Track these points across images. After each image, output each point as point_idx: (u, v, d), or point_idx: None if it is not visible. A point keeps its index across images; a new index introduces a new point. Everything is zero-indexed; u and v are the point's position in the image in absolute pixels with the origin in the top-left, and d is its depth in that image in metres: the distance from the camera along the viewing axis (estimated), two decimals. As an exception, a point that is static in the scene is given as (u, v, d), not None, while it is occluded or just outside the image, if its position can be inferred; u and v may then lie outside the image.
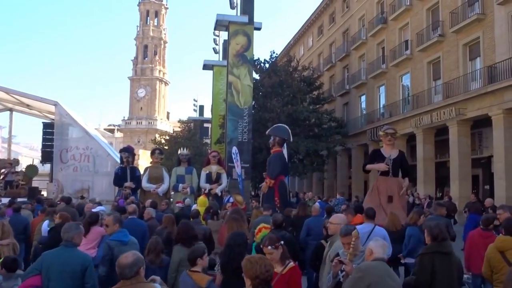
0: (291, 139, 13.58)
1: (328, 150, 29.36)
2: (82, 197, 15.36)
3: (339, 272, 4.86)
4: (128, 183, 14.56)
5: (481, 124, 22.02)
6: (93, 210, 9.30)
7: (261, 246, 4.75)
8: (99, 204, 11.55)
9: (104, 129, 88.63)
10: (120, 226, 6.39)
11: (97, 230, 7.28)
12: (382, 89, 30.93)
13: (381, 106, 30.98)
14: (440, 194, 24.88)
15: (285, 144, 14.20)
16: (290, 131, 14.05)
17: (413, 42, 27.03)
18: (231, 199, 12.72)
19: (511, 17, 20.04)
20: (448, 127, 22.95)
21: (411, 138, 27.12)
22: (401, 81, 28.86)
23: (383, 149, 11.40)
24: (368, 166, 11.55)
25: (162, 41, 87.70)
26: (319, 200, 18.29)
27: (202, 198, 10.67)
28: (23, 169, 22.52)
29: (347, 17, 36.36)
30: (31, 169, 22.50)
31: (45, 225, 8.58)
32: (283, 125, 15.35)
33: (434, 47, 25.04)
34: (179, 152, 16.03)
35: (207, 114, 47.98)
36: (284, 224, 7.58)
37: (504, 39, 20.24)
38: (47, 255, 5.19)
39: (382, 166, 10.88)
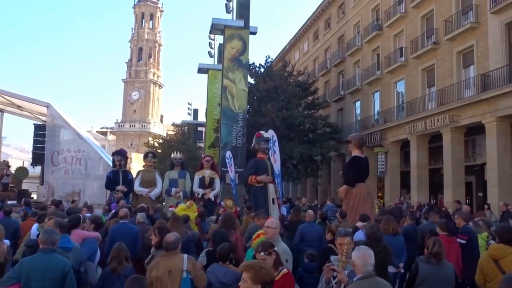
0: (251, 145, 13.75)
1: (322, 155, 29.38)
2: (73, 201, 15.17)
3: (332, 279, 4.84)
4: (120, 187, 14.45)
5: (475, 131, 22.13)
6: (86, 215, 9.19)
7: (254, 252, 4.72)
8: (90, 209, 11.40)
9: (97, 131, 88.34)
10: (62, 232, 5.92)
11: (78, 233, 6.98)
12: (377, 95, 31.04)
13: (376, 112, 31.08)
14: (434, 201, 24.93)
15: (275, 148, 14.24)
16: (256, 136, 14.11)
17: (408, 49, 27.17)
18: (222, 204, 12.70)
19: (505, 26, 20.19)
20: (441, 134, 23.06)
21: (405, 145, 27.22)
22: (396, 88, 28.98)
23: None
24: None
25: (157, 44, 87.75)
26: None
27: (182, 206, 10.60)
28: (13, 171, 22.33)
29: (343, 23, 36.49)
30: (21, 171, 22.31)
31: (34, 229, 8.48)
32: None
33: (429, 55, 25.18)
34: (172, 155, 15.91)
35: (201, 118, 47.95)
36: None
37: (497, 48, 20.37)
38: (25, 262, 5.04)
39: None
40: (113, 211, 10.56)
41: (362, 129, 31.33)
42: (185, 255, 5.45)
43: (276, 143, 14.42)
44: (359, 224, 7.48)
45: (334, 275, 4.72)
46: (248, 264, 3.68)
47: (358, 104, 33.74)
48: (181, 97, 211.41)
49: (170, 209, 11.94)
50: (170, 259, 5.29)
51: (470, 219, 9.77)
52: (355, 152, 11.98)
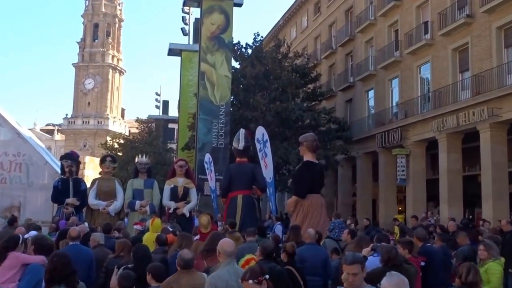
0: (239, 145, 13.85)
1: (327, 159, 29.35)
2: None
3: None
4: (71, 199, 14.46)
5: (521, 128, 22.28)
6: (26, 236, 9.10)
7: (241, 280, 4.73)
8: (34, 228, 11.21)
9: (41, 129, 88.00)
10: None
11: (15, 256, 6.98)
12: (395, 82, 31.14)
13: (394, 104, 31.21)
14: (470, 216, 24.89)
15: (266, 151, 14.33)
16: (243, 133, 14.20)
17: (435, 24, 27.20)
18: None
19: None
20: (478, 131, 23.12)
21: (432, 145, 27.27)
22: (419, 73, 29.07)
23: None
24: None
25: (117, 19, 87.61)
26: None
27: (157, 222, 10.58)
28: None
29: (352, -8, 36.63)
30: None
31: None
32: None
33: (461, 31, 25.18)
34: (136, 160, 15.96)
35: (173, 112, 47.96)
36: (275, 254, 7.52)
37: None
38: None
39: None
40: (61, 229, 10.51)
41: (377, 126, 31.44)
42: (204, 273, 6.41)
43: (268, 144, 14.48)
44: (364, 251, 7.53)
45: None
46: None
47: (371, 93, 33.85)
48: (147, 86, 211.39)
49: (135, 227, 11.94)
50: (191, 276, 6.24)
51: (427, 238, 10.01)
52: (308, 157, 12.56)
